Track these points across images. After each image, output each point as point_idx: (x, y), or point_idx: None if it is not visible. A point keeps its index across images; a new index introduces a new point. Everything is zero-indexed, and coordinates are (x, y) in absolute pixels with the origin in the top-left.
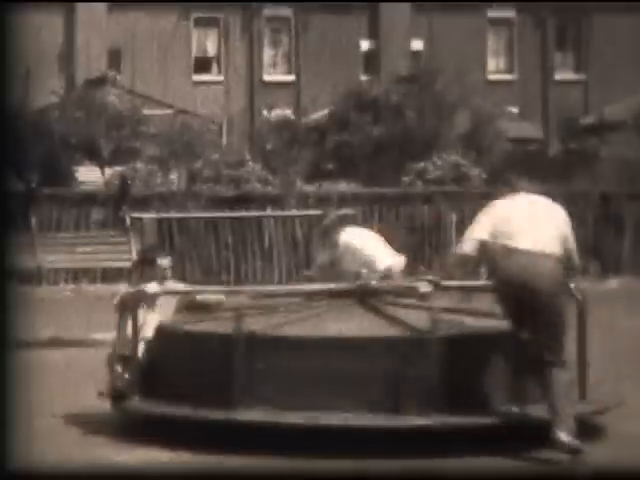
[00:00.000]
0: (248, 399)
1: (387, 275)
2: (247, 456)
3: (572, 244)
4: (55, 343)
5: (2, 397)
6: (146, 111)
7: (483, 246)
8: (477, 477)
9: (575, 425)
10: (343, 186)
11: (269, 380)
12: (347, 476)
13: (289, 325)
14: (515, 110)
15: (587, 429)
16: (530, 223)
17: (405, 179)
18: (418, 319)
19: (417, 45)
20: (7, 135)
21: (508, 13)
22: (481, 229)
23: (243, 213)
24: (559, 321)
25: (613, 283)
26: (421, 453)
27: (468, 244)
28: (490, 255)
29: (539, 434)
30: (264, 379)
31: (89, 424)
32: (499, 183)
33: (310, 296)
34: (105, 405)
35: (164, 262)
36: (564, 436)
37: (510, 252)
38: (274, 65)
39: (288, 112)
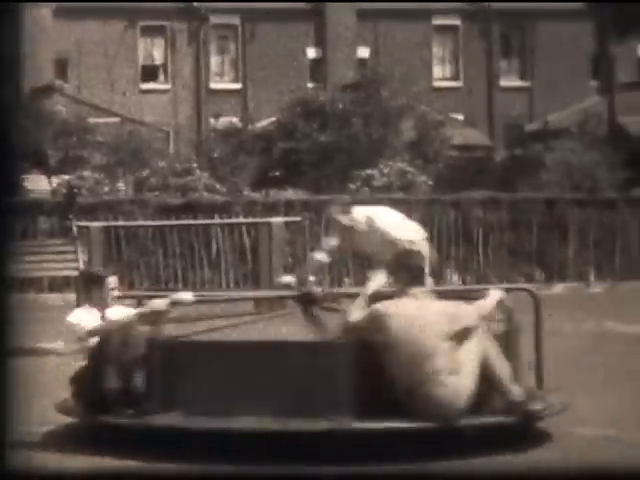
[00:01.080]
0: (167, 404)
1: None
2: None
3: None
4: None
5: None
6: (93, 119)
7: None
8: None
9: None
10: (290, 193)
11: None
12: None
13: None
14: (461, 117)
15: (534, 431)
16: None
17: (352, 186)
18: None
19: (363, 53)
20: None
21: (453, 21)
22: None
23: (190, 221)
24: None
25: (558, 288)
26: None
27: None
28: None
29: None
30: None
31: (38, 436)
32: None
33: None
34: (55, 416)
35: (111, 280)
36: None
37: None
38: (221, 73)
39: (235, 120)
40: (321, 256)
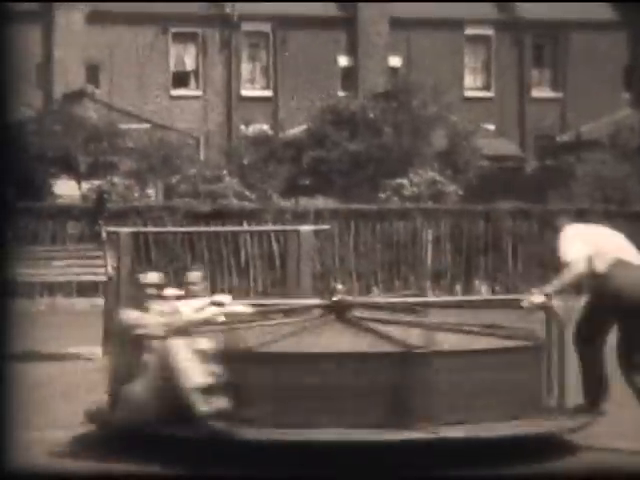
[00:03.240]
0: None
1: None
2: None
3: None
4: (30, 357)
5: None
6: (124, 125)
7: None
8: None
9: None
10: (320, 202)
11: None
12: None
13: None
14: (492, 127)
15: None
16: (626, 242)
17: (382, 195)
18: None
19: (395, 62)
20: None
21: (486, 31)
22: (583, 247)
23: (219, 228)
24: None
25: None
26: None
27: (580, 262)
28: (595, 269)
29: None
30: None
31: (64, 441)
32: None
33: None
34: (82, 421)
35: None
36: None
37: (625, 265)
38: (252, 80)
39: (265, 127)
40: None
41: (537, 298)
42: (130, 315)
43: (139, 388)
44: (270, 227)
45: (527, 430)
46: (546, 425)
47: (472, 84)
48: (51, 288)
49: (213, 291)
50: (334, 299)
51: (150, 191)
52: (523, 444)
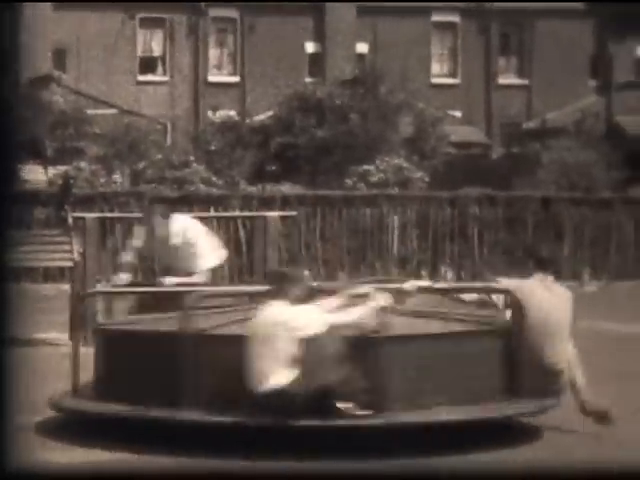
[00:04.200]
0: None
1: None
2: (186, 456)
3: None
4: None
5: None
6: (91, 111)
7: None
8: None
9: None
10: (286, 188)
11: (212, 378)
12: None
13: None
14: (458, 114)
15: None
16: None
17: (348, 182)
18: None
19: (362, 48)
20: None
21: (452, 17)
22: None
23: (186, 214)
24: None
25: None
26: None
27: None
28: None
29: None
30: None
31: (29, 425)
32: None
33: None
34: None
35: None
36: None
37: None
38: (219, 66)
39: (233, 113)
40: (129, 257)
41: (409, 286)
42: (283, 310)
43: (287, 382)
44: (237, 213)
45: (476, 415)
46: (499, 410)
47: (439, 71)
48: (17, 273)
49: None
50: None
51: (116, 177)
52: (474, 429)
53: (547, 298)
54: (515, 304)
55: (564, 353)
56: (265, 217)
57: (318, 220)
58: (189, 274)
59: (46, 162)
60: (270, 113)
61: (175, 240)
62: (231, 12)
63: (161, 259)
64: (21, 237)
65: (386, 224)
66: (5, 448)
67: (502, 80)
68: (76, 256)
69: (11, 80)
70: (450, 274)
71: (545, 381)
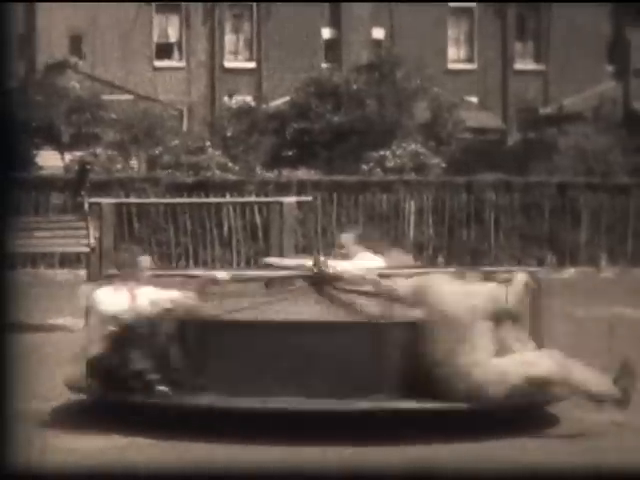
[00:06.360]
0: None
1: None
2: (201, 441)
3: None
4: (13, 328)
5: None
6: (107, 96)
7: None
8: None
9: None
10: (303, 173)
11: (221, 365)
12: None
13: (241, 311)
14: (475, 99)
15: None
16: None
17: (365, 167)
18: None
19: (378, 34)
20: None
21: (469, 3)
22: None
23: (202, 199)
24: None
25: (569, 273)
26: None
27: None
28: None
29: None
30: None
31: (47, 412)
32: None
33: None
34: (64, 392)
35: (143, 260)
36: None
37: None
38: (235, 52)
39: (249, 99)
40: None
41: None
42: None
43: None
44: (253, 199)
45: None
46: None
47: (455, 56)
48: (34, 259)
49: (196, 263)
50: (315, 271)
51: (133, 162)
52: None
53: (453, 294)
54: (417, 300)
55: (472, 354)
56: (281, 202)
57: (334, 206)
58: None
59: (62, 148)
60: (286, 99)
61: None
62: None
63: None
64: (37, 223)
65: (402, 210)
66: (16, 436)
67: (519, 65)
68: (92, 242)
69: (27, 66)
70: (466, 259)
71: (455, 383)
